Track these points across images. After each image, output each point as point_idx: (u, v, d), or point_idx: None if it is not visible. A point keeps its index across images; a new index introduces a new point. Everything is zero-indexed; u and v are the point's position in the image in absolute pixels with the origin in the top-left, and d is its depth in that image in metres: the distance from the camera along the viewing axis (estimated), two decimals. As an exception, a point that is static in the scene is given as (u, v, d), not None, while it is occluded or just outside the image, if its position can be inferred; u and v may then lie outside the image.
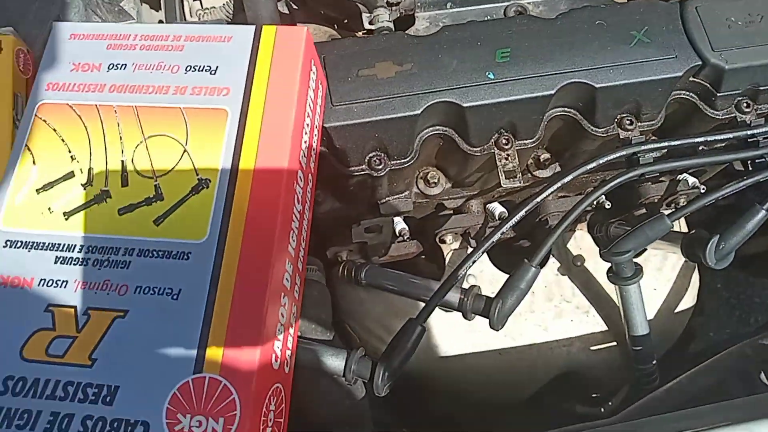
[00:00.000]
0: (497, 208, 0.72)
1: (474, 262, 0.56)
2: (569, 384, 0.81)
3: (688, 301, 0.79)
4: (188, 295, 0.39)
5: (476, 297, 0.60)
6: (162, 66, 0.46)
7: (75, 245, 0.40)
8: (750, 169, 0.56)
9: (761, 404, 0.48)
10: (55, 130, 0.44)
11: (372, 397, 0.72)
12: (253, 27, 0.47)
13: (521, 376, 0.78)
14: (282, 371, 0.41)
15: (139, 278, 0.39)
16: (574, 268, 0.76)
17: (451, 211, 0.74)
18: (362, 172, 0.59)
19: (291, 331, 0.44)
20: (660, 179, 0.70)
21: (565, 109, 0.60)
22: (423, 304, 0.55)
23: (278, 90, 0.45)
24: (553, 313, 0.77)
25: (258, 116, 0.44)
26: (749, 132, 0.54)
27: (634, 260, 0.68)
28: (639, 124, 0.59)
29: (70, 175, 0.43)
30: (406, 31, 0.59)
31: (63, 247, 0.40)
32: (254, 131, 0.43)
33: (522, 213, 0.56)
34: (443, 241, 0.74)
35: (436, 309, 0.55)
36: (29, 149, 0.43)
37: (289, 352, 0.43)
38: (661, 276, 0.77)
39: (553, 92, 0.55)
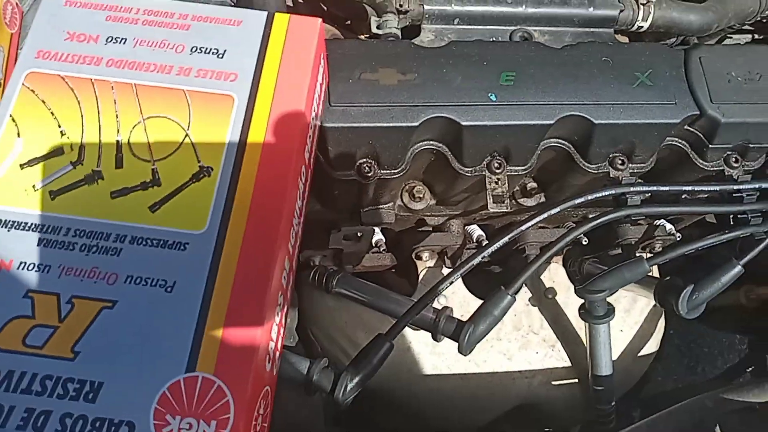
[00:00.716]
0: (476, 231, 0.75)
1: (451, 283, 0.59)
2: (526, 416, 0.85)
3: (652, 345, 0.85)
4: (183, 288, 0.39)
5: (448, 319, 0.63)
6: (165, 44, 0.46)
7: (61, 227, 0.40)
8: (732, 223, 0.61)
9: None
10: (44, 102, 0.43)
11: (326, 410, 0.73)
12: (265, 12, 0.49)
13: (481, 403, 0.82)
14: (271, 373, 0.43)
15: (131, 267, 0.40)
16: (545, 300, 0.81)
17: (430, 228, 0.77)
18: (350, 177, 0.61)
19: (282, 331, 0.45)
20: (638, 222, 0.75)
21: (560, 141, 0.64)
22: (392, 320, 0.57)
23: (288, 80, 0.46)
24: (519, 343, 0.81)
25: (266, 106, 0.45)
26: (735, 187, 0.60)
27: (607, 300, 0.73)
28: (630, 165, 0.64)
29: (59, 151, 0.42)
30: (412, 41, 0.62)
31: (47, 229, 0.40)
32: (261, 121, 0.44)
33: (505, 239, 0.59)
34: (419, 258, 0.77)
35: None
36: (13, 120, 0.43)
37: (278, 354, 0.44)
38: (629, 318, 0.82)
39: (552, 122, 0.59)
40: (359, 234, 0.70)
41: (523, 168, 0.64)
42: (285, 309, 0.45)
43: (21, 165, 0.42)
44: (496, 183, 0.63)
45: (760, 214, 0.62)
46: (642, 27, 0.71)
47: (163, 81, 0.45)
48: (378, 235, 0.71)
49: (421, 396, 0.80)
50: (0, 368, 0.37)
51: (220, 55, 0.46)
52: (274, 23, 0.48)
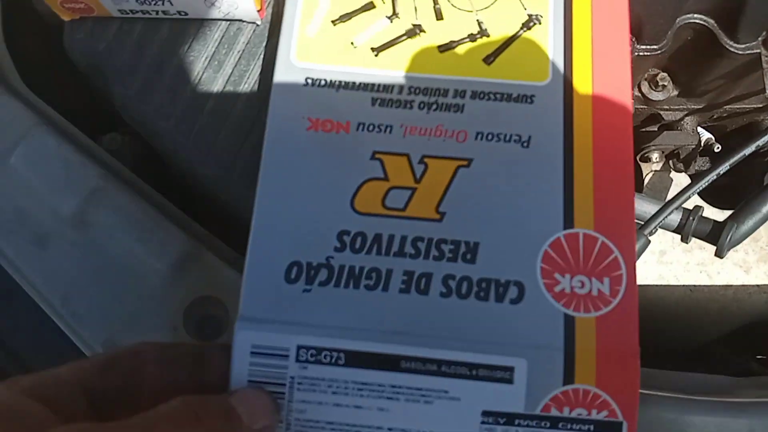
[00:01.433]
0: (704, 134, 0.72)
1: (708, 181, 0.56)
2: (754, 336, 0.81)
3: None
4: (540, 142, 0.37)
5: (701, 219, 0.60)
6: None
7: (393, 85, 0.39)
8: None
9: None
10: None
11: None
12: None
13: (710, 318, 0.79)
14: None
15: (478, 123, 0.38)
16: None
17: (656, 129, 0.73)
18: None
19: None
20: None
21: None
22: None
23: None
24: (758, 255, 0.77)
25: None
26: None
27: None
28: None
29: (370, 5, 0.41)
30: None
31: (378, 88, 0.39)
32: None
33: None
34: (646, 159, 0.74)
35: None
36: (314, -24, 0.41)
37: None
38: None
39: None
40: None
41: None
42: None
43: (333, 21, 0.40)
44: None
45: None
46: None
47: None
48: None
49: (642, 306, 0.77)
50: (366, 232, 0.36)
51: None
52: None
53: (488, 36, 0.40)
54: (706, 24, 0.57)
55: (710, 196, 0.78)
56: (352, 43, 0.40)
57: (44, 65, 0.58)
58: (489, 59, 0.39)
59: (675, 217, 0.62)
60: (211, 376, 0.33)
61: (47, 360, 0.47)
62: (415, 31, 0.40)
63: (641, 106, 0.68)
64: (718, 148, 0.72)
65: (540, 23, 0.40)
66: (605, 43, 0.40)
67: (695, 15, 0.57)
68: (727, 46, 0.57)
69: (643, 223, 0.55)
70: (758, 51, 0.57)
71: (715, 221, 0.60)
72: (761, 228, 0.78)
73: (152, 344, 0.32)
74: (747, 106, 0.69)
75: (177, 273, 0.43)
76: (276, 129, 0.38)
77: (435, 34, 0.40)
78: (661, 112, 0.70)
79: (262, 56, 0.47)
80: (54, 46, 0.58)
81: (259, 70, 0.46)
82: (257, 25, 0.48)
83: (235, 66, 0.46)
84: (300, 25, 0.40)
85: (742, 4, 0.53)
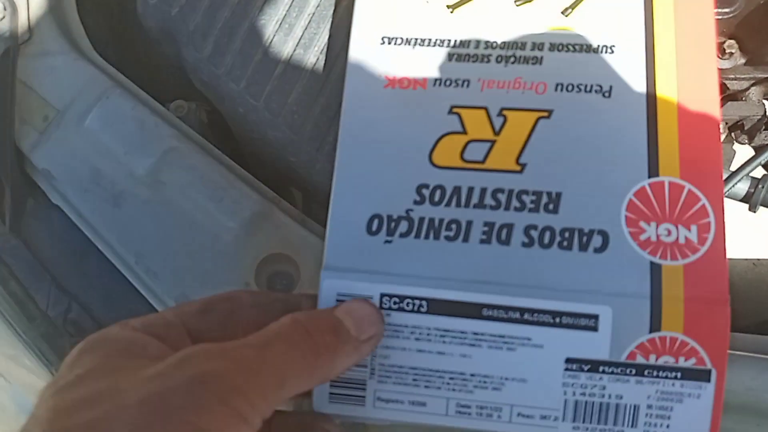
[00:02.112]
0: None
1: None
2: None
3: None
4: (622, 91, 0.38)
5: None
6: None
7: (469, 41, 0.41)
8: None
9: None
10: None
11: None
12: None
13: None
14: None
15: (558, 75, 0.39)
16: None
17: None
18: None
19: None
20: None
21: None
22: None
23: None
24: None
25: None
26: None
27: None
28: None
29: (445, -37, 0.43)
30: None
31: (455, 43, 0.41)
32: None
33: None
34: None
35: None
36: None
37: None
38: None
39: None
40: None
41: None
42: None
43: (404, -21, 0.43)
44: None
45: None
46: None
47: None
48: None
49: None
50: (445, 185, 0.38)
51: None
52: None
53: (565, -13, 0.41)
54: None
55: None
56: (426, 0, 0.42)
57: (112, 37, 0.62)
58: (566, 11, 0.41)
59: (742, 187, 0.62)
60: None
61: (119, 315, 0.50)
62: (490, -15, 0.42)
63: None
64: (785, 120, 0.72)
65: (618, -28, 0.41)
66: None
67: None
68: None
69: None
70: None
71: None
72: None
73: (246, 291, 0.35)
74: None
75: (249, 231, 0.45)
76: (354, 87, 0.41)
77: (511, -12, 0.42)
78: (727, 82, 0.70)
79: (332, 19, 0.48)
80: (120, 19, 0.62)
81: (329, 34, 0.47)
82: (328, -13, 0.50)
83: (306, 29, 0.48)
84: (375, -17, 0.43)
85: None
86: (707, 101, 0.38)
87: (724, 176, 0.58)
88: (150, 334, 0.30)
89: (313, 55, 0.47)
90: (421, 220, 0.37)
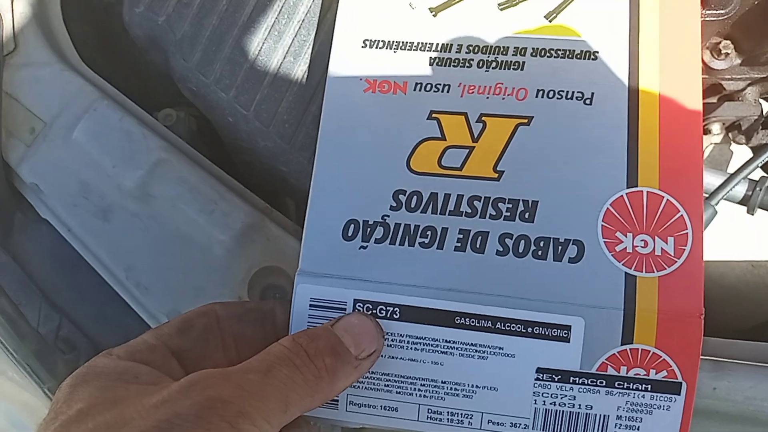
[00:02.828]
0: (767, 106, 0.71)
1: None
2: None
3: None
4: (603, 99, 0.38)
5: None
6: None
7: (451, 45, 0.41)
8: None
9: None
10: None
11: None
12: None
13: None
14: None
15: (539, 81, 0.39)
16: None
17: (715, 100, 0.73)
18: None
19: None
20: None
21: None
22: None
23: None
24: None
25: None
26: None
27: None
28: None
29: (427, -35, 0.43)
30: None
31: (436, 47, 0.41)
32: None
33: None
34: (707, 131, 0.73)
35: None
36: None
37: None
38: None
39: None
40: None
41: None
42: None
43: (388, -18, 0.43)
44: None
45: None
46: None
47: None
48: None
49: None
50: (422, 191, 0.38)
51: None
52: None
53: (550, -8, 0.41)
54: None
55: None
56: (410, 4, 0.42)
57: (99, 46, 0.62)
58: (551, 16, 0.41)
59: (740, 189, 0.62)
60: (275, 329, 0.37)
61: (111, 331, 0.50)
62: (474, -11, 0.42)
63: (702, 76, 0.67)
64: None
65: (603, -22, 0.41)
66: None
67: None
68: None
69: (707, 195, 0.56)
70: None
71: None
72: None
73: (219, 303, 0.36)
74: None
75: (240, 244, 0.45)
76: (334, 91, 0.41)
77: (495, -8, 0.42)
78: (723, 82, 0.69)
79: (321, 26, 0.48)
80: (106, 28, 0.62)
81: (320, 40, 0.47)
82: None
83: (295, 36, 0.48)
84: (359, -13, 0.43)
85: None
86: (690, 113, 0.38)
87: (722, 177, 0.58)
88: (137, 361, 0.31)
89: (304, 63, 0.47)
90: (397, 226, 0.37)
